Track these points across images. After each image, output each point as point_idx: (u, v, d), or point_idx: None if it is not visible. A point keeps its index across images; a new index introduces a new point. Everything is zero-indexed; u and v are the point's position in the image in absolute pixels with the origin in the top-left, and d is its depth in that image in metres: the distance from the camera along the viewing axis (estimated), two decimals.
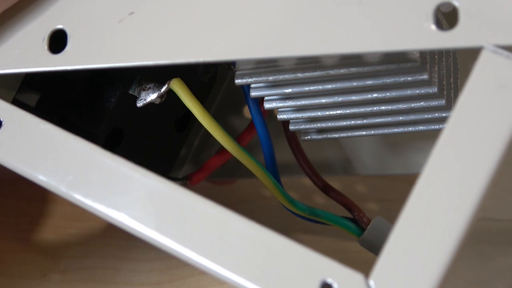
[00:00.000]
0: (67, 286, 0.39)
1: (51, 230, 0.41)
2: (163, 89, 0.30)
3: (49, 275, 0.40)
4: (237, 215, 0.24)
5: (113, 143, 0.32)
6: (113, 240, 0.40)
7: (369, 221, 0.31)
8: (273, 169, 0.31)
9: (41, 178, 0.27)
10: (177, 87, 0.29)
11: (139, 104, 0.30)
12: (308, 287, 0.23)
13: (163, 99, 0.30)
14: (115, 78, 0.31)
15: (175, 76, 0.30)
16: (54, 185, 0.26)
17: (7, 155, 0.27)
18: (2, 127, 0.28)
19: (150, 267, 0.39)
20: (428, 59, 0.27)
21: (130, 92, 0.31)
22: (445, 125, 0.28)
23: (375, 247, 0.30)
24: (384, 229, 0.30)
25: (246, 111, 0.38)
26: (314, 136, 0.31)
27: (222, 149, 0.33)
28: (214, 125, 0.29)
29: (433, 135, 0.29)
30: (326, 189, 0.33)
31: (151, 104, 0.30)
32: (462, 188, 0.22)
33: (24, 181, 0.41)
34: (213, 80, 0.36)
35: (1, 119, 0.28)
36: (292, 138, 0.33)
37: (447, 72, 0.28)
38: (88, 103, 0.31)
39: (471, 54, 0.31)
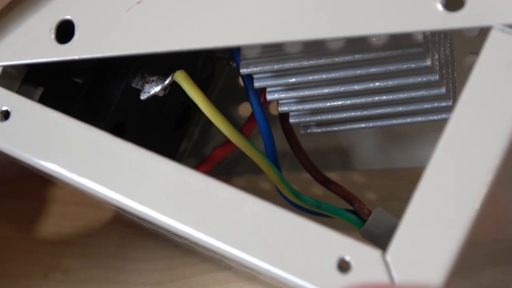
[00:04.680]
0: (69, 285, 0.39)
1: (52, 230, 0.41)
2: (167, 81, 0.30)
3: (51, 275, 0.39)
4: (251, 196, 0.24)
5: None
6: (115, 240, 0.40)
7: (370, 212, 0.31)
8: (275, 161, 0.31)
9: (52, 167, 0.27)
10: (181, 79, 0.29)
11: (143, 96, 0.30)
12: (325, 265, 0.23)
13: (166, 91, 0.30)
14: (118, 71, 0.31)
15: (171, 71, 0.30)
16: (66, 173, 0.26)
17: (17, 145, 0.27)
18: (11, 117, 0.28)
19: (152, 267, 0.39)
20: (431, 47, 0.27)
21: (133, 85, 0.31)
22: (443, 115, 0.29)
23: (376, 238, 0.30)
24: (385, 220, 0.30)
25: (242, 108, 0.39)
26: (314, 130, 0.32)
27: (225, 142, 0.33)
28: (219, 117, 0.29)
29: (435, 128, 0.30)
30: (326, 182, 0.33)
31: (153, 97, 0.30)
32: (477, 162, 0.22)
33: (25, 181, 0.41)
34: (211, 76, 0.37)
35: (9, 109, 0.28)
36: (290, 133, 0.33)
37: (446, 61, 0.28)
38: (91, 97, 0.31)
39: (463, 49, 0.32)
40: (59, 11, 0.29)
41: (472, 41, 0.32)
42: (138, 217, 0.26)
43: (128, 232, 0.40)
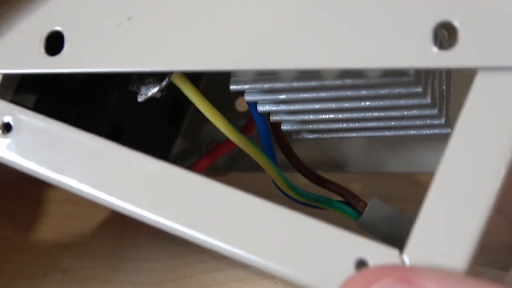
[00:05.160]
0: (69, 285, 0.39)
1: (52, 230, 0.41)
2: (164, 83, 0.29)
3: (51, 275, 0.40)
4: (265, 201, 0.24)
5: (113, 139, 0.32)
6: (115, 240, 0.40)
7: (365, 204, 0.31)
8: (272, 156, 0.32)
9: (59, 179, 0.27)
10: (179, 80, 0.29)
11: (140, 99, 0.30)
12: (343, 267, 0.23)
13: (164, 93, 0.30)
14: (113, 75, 0.31)
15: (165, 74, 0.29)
16: (73, 184, 0.27)
17: (23, 158, 0.27)
18: (13, 130, 0.28)
19: (152, 267, 0.39)
20: (423, 72, 0.27)
21: (130, 87, 0.30)
22: (436, 130, 0.29)
23: (374, 228, 0.30)
24: (382, 210, 0.30)
25: (238, 105, 0.39)
26: (306, 136, 0.31)
27: (223, 141, 0.34)
28: (217, 116, 0.29)
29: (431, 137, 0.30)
30: (319, 181, 0.33)
31: (150, 98, 0.30)
32: (491, 158, 0.22)
33: (25, 181, 0.41)
34: (201, 75, 0.37)
35: (11, 122, 0.28)
36: (282, 138, 0.33)
37: (440, 82, 0.28)
38: (88, 101, 0.31)
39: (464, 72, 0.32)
40: (49, 22, 0.28)
41: None
42: (151, 224, 0.26)
43: (128, 232, 0.40)
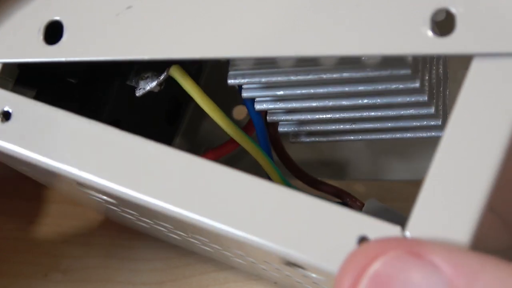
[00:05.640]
0: (69, 285, 0.39)
1: (52, 230, 0.41)
2: (162, 77, 0.29)
3: (51, 275, 0.40)
4: (267, 181, 0.24)
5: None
6: (115, 240, 0.40)
7: (362, 204, 0.31)
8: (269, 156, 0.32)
9: (59, 165, 0.26)
10: (177, 73, 0.29)
11: (139, 93, 0.30)
12: (346, 243, 0.23)
13: (162, 87, 0.30)
14: (112, 69, 0.31)
15: (166, 66, 0.30)
16: (74, 171, 0.26)
17: (22, 146, 0.27)
18: (12, 118, 0.28)
19: (152, 267, 0.39)
20: (420, 68, 0.27)
21: (128, 82, 0.31)
22: (432, 133, 0.29)
23: None
24: (379, 210, 0.30)
25: (235, 113, 0.39)
26: (303, 139, 0.32)
27: (221, 144, 0.34)
28: (216, 110, 0.29)
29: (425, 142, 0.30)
30: (315, 183, 0.33)
31: (147, 93, 0.30)
32: (490, 141, 0.22)
33: (25, 181, 0.41)
34: (199, 71, 0.37)
35: (10, 110, 0.28)
36: (277, 141, 0.33)
37: (437, 81, 0.29)
38: (86, 96, 0.31)
39: (460, 63, 0.32)
40: (48, 11, 0.28)
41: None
42: (146, 209, 0.26)
43: (128, 232, 0.40)
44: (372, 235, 0.23)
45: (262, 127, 0.31)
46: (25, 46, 0.28)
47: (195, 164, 0.25)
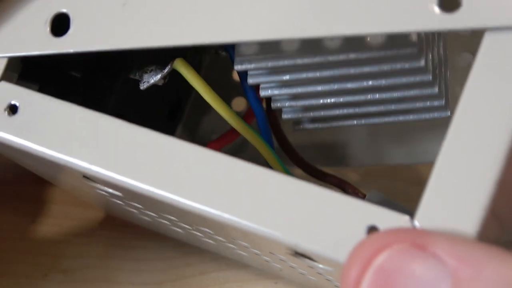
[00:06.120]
0: (69, 285, 0.39)
1: (53, 230, 0.41)
2: (166, 70, 0.30)
3: (51, 275, 0.39)
4: (274, 172, 0.24)
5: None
6: (115, 240, 0.40)
7: (364, 196, 0.31)
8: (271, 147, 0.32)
9: (66, 158, 0.26)
10: (181, 66, 0.29)
11: (143, 86, 0.30)
12: (355, 233, 0.23)
13: (166, 80, 0.30)
14: (115, 63, 0.31)
15: (166, 61, 0.30)
16: (81, 164, 0.26)
17: (29, 139, 0.27)
18: (19, 111, 0.28)
19: (152, 267, 0.39)
20: (424, 47, 0.27)
21: (131, 76, 0.31)
22: (435, 114, 0.29)
23: None
24: (381, 201, 0.30)
25: (234, 105, 0.39)
26: (306, 126, 0.32)
27: (222, 135, 0.34)
28: (219, 102, 0.29)
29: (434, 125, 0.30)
30: (317, 173, 0.33)
31: (150, 88, 0.30)
32: (501, 121, 0.22)
33: (25, 181, 0.41)
34: (199, 67, 0.37)
35: (17, 103, 0.28)
36: (278, 129, 0.33)
37: (439, 62, 0.29)
38: (89, 90, 0.31)
39: (456, 48, 0.32)
40: (55, 4, 0.28)
41: (466, 39, 0.33)
42: (152, 201, 0.26)
43: (128, 232, 0.40)
44: (381, 224, 0.23)
45: (263, 117, 0.31)
46: (32, 39, 0.28)
47: (202, 154, 0.25)
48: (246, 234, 0.25)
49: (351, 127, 0.34)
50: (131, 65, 0.31)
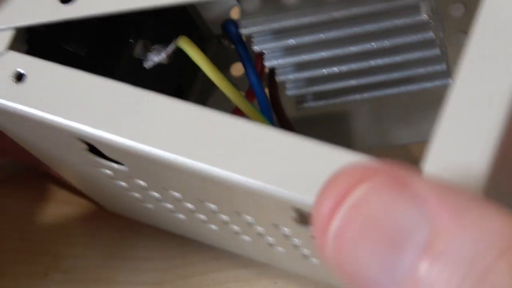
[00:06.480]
0: (69, 285, 0.39)
1: (53, 230, 0.41)
2: (170, 48, 0.30)
3: (51, 275, 0.39)
4: (285, 132, 0.24)
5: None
6: (115, 240, 0.40)
7: None
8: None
9: (74, 125, 0.26)
10: (185, 44, 0.29)
11: (148, 65, 0.30)
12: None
13: (171, 59, 0.30)
14: (119, 41, 0.31)
15: (173, 38, 0.30)
16: (90, 130, 0.26)
17: (36, 107, 0.27)
18: (26, 79, 0.27)
19: (152, 267, 0.39)
20: (423, 3, 0.28)
21: (135, 55, 0.31)
22: (437, 82, 0.29)
23: None
24: None
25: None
26: (309, 104, 0.32)
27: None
28: (224, 81, 0.29)
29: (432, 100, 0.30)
30: None
31: (155, 67, 0.30)
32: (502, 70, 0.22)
33: (25, 181, 0.41)
34: (202, 39, 0.37)
35: (24, 71, 0.28)
36: (279, 109, 0.33)
37: (437, 25, 0.29)
38: (93, 69, 0.32)
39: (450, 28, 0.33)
40: None
41: (459, 20, 0.33)
42: (159, 167, 0.26)
43: (128, 232, 0.40)
44: None
45: (263, 95, 0.31)
46: (39, 8, 0.28)
47: (209, 116, 0.25)
48: (252, 196, 0.25)
49: (355, 108, 0.35)
50: (135, 44, 0.31)
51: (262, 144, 0.24)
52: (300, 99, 0.32)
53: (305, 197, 0.23)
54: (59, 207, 0.41)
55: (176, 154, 0.25)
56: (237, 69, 0.40)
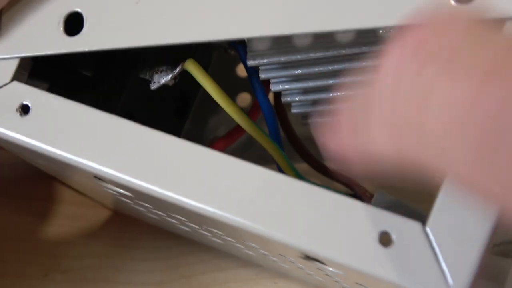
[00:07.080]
0: (69, 285, 0.39)
1: (53, 230, 0.41)
2: (177, 70, 0.30)
3: (51, 275, 0.39)
4: (289, 178, 0.24)
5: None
6: (115, 240, 0.40)
7: (372, 196, 0.31)
8: (280, 147, 0.32)
9: (78, 160, 0.26)
10: (192, 67, 0.29)
11: (153, 86, 0.30)
12: (368, 239, 0.23)
13: (176, 80, 0.30)
14: (126, 63, 0.31)
15: (175, 61, 0.30)
16: (94, 166, 0.26)
17: (41, 140, 0.27)
18: (31, 112, 0.27)
19: (152, 267, 0.39)
20: None
21: (142, 76, 0.31)
22: None
23: None
24: (388, 201, 0.30)
25: (239, 99, 0.39)
26: (315, 119, 0.32)
27: (228, 133, 0.34)
28: (230, 104, 0.29)
29: None
30: (324, 170, 0.33)
31: (160, 87, 0.30)
32: None
33: (26, 182, 0.41)
34: (208, 64, 0.37)
35: (29, 104, 0.27)
36: (286, 123, 0.33)
37: None
38: (100, 89, 0.31)
39: None
40: (68, 3, 0.28)
41: None
42: (164, 203, 0.26)
43: (128, 232, 0.40)
44: (392, 230, 0.23)
45: (272, 114, 0.31)
46: (45, 39, 0.28)
47: (214, 158, 0.25)
48: (258, 238, 0.25)
49: None
50: (142, 65, 0.31)
51: (272, 190, 0.24)
52: (305, 116, 0.32)
53: (313, 245, 0.23)
54: (60, 208, 0.41)
55: (181, 196, 0.25)
56: (242, 69, 0.39)
